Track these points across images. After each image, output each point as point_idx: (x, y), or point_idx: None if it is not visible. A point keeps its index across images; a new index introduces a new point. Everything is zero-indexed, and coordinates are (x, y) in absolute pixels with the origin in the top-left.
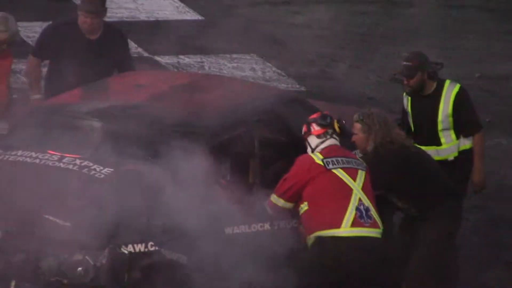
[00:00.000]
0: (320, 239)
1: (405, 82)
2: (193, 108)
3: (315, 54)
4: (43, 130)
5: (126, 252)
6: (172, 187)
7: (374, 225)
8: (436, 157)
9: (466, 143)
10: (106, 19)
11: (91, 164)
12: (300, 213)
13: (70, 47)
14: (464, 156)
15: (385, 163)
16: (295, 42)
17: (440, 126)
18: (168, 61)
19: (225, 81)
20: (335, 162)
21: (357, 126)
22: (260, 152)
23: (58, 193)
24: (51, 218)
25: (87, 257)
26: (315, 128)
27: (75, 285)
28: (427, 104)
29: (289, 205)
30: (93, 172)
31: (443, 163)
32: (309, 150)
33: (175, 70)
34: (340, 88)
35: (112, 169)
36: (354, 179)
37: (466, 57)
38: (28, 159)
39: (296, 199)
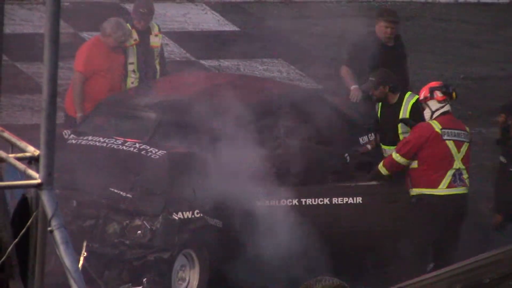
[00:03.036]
0: (420, 195)
1: (371, 93)
2: (229, 100)
3: (330, 58)
4: (109, 119)
5: (176, 218)
6: (212, 166)
7: (464, 185)
8: None
9: None
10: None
11: (148, 147)
12: (410, 168)
13: (371, 53)
14: None
15: None
16: (314, 49)
17: (400, 130)
18: (211, 64)
19: (257, 81)
20: (450, 134)
21: None
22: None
23: (121, 170)
24: (115, 191)
25: (145, 222)
26: (438, 94)
27: (135, 245)
28: (390, 111)
29: (404, 162)
30: (149, 153)
31: None
32: (427, 112)
33: (216, 71)
34: None
35: (165, 151)
36: (459, 150)
37: (453, 61)
38: (97, 143)
39: (411, 157)
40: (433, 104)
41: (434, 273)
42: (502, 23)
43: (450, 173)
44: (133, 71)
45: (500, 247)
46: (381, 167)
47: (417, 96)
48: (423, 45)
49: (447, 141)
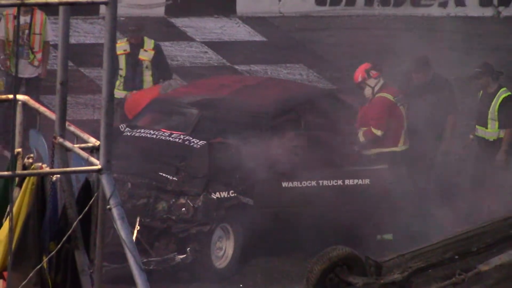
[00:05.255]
0: (379, 153)
1: (477, 80)
2: (259, 100)
3: (343, 63)
4: (158, 115)
5: (214, 197)
6: (244, 153)
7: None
8: (484, 135)
9: (502, 134)
10: (201, 39)
11: (191, 138)
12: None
13: (414, 89)
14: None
15: None
16: (329, 56)
17: (489, 116)
18: (243, 68)
19: (282, 82)
20: (399, 101)
21: None
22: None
23: (168, 158)
24: (163, 174)
25: (188, 201)
26: (373, 73)
27: (180, 220)
28: (487, 98)
29: (381, 133)
30: (192, 143)
31: (487, 141)
32: (368, 90)
33: (248, 74)
34: None
35: (205, 142)
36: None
37: (445, 65)
38: (147, 135)
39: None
40: (371, 82)
41: (430, 243)
42: (486, 33)
43: (403, 132)
44: (120, 75)
45: (485, 221)
46: (360, 135)
47: (509, 93)
48: (420, 52)
49: (400, 107)
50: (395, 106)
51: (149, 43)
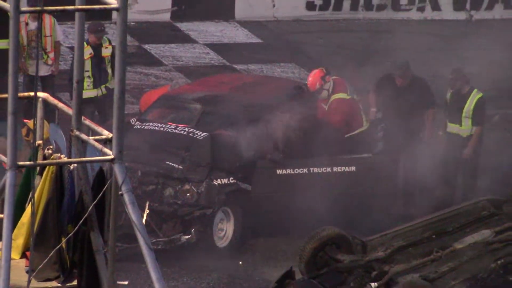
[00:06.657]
0: (359, 132)
1: (452, 86)
2: (256, 95)
3: (330, 62)
4: (165, 110)
5: (216, 183)
6: (243, 143)
7: None
8: (458, 132)
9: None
10: (204, 42)
11: (194, 130)
12: None
13: (389, 91)
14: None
15: None
16: (319, 56)
17: (463, 114)
18: (241, 67)
19: (275, 79)
20: (351, 92)
21: None
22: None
23: (174, 148)
24: (170, 163)
25: (192, 187)
26: (328, 77)
27: (185, 204)
28: (461, 98)
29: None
30: (195, 135)
31: (460, 137)
32: (325, 92)
33: (245, 73)
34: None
35: (207, 134)
36: None
37: (424, 64)
38: (156, 128)
39: None
40: (327, 86)
41: (410, 223)
42: (460, 35)
43: (362, 113)
44: (88, 76)
45: (459, 204)
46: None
47: (482, 94)
48: (399, 53)
49: (354, 96)
50: (352, 100)
51: (105, 40)
